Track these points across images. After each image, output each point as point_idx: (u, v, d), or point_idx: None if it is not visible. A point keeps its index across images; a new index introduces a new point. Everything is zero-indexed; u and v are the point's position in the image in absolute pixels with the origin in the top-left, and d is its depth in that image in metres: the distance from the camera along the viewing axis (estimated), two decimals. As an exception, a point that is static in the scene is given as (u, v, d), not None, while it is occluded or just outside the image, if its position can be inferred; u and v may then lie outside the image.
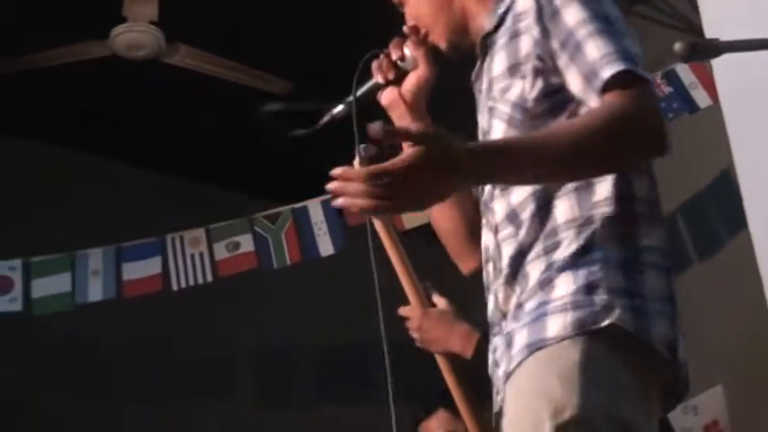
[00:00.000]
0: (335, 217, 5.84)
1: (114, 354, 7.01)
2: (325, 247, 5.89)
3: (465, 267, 2.23)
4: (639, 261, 1.83)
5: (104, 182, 7.17)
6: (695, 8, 6.65)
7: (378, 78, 2.16)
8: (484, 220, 2.01)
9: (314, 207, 5.94)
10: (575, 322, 1.75)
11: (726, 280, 6.56)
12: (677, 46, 1.82)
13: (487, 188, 1.99)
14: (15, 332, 6.08)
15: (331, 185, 1.68)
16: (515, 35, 1.93)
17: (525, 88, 1.87)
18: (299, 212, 5.97)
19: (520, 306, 1.86)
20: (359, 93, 2.17)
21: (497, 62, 1.96)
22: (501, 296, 1.91)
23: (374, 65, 2.16)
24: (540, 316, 1.79)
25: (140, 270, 5.78)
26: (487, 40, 2.03)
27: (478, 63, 2.06)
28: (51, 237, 6.11)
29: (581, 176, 1.81)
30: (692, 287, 7.22)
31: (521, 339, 1.81)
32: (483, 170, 1.71)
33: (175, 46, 5.55)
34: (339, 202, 1.67)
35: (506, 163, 1.71)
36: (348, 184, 1.65)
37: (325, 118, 2.22)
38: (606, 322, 1.75)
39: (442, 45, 2.12)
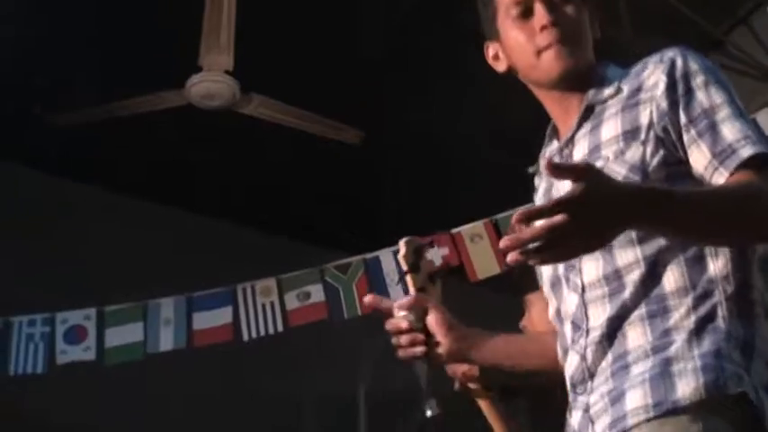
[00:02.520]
0: (406, 267, 5.79)
1: (183, 401, 7.00)
2: (397, 297, 5.83)
3: None
4: (753, 344, 1.82)
5: (177, 231, 7.21)
6: (771, 55, 6.59)
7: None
8: (563, 278, 1.97)
9: (386, 257, 5.91)
10: (708, 384, 1.73)
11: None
12: None
13: None
14: (88, 380, 6.09)
15: (506, 242, 1.60)
16: (636, 104, 1.94)
17: (646, 153, 1.89)
18: (371, 262, 5.94)
19: (625, 367, 1.82)
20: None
21: (608, 128, 1.96)
22: (590, 356, 1.88)
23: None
24: (663, 376, 1.76)
25: (211, 320, 5.79)
26: (593, 110, 2.02)
27: (570, 131, 2.04)
28: (125, 286, 6.13)
29: (733, 240, 1.83)
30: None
31: (637, 398, 1.77)
32: (649, 212, 1.68)
33: (249, 96, 5.57)
34: (512, 257, 1.60)
35: (674, 209, 1.71)
36: (522, 236, 1.59)
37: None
38: (739, 390, 1.73)
39: (571, 60, 2.03)
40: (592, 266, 1.90)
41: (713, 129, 1.85)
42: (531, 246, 1.58)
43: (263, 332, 5.80)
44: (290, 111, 5.72)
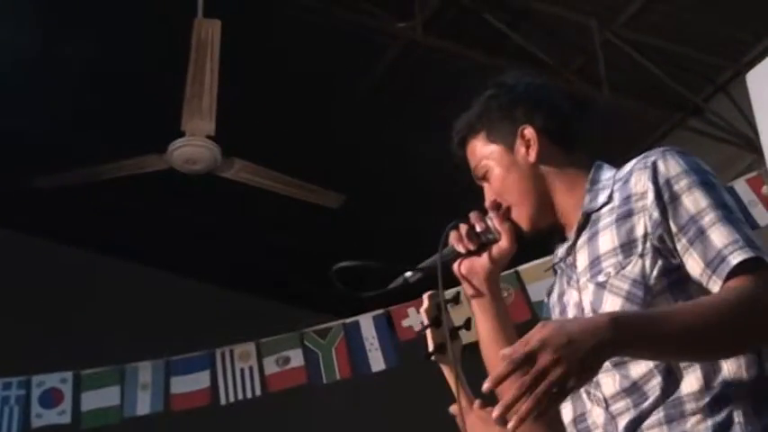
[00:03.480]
0: (387, 332, 5.80)
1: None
2: (377, 362, 5.84)
3: None
4: None
5: (155, 293, 7.18)
6: (749, 122, 6.66)
7: (458, 248, 2.15)
8: (582, 391, 1.98)
9: (365, 322, 5.90)
10: None
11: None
12: (765, 189, 1.80)
13: None
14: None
15: (496, 413, 1.68)
16: (629, 214, 1.96)
17: (645, 266, 1.91)
18: (351, 327, 5.93)
19: None
20: (432, 260, 2.16)
21: (605, 239, 1.99)
22: None
23: (454, 234, 2.15)
24: None
25: (189, 384, 5.74)
26: (589, 216, 2.05)
27: (571, 240, 2.07)
28: (101, 349, 6.09)
29: (717, 353, 1.84)
30: None
31: None
32: (628, 338, 1.73)
33: (231, 160, 5.59)
34: (512, 425, 1.67)
35: (653, 333, 1.75)
36: (507, 401, 1.66)
37: (397, 282, 2.21)
38: None
39: (525, 225, 2.13)
40: (609, 381, 1.93)
41: (702, 236, 1.87)
42: (520, 404, 1.65)
43: (240, 397, 5.76)
44: (271, 175, 5.73)
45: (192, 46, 5.11)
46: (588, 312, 1.96)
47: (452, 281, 2.17)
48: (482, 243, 2.16)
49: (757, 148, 5.90)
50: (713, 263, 1.84)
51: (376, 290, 2.25)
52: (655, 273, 1.91)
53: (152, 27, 5.88)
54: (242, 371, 5.78)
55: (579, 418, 2.00)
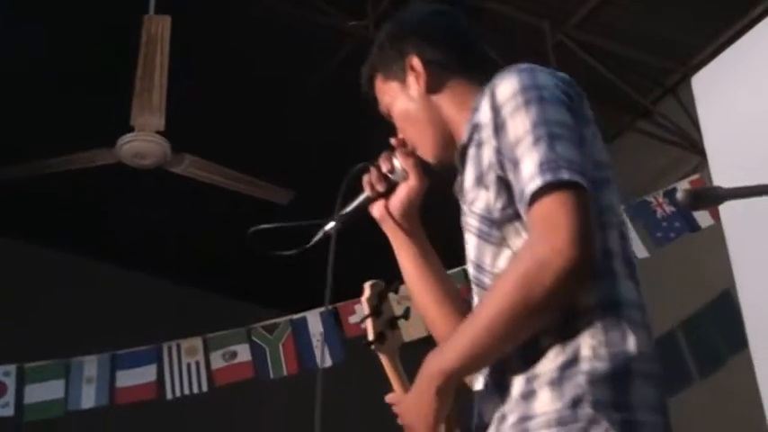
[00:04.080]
0: (334, 329, 5.83)
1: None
2: (323, 358, 5.87)
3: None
4: (627, 370, 1.77)
5: (102, 287, 7.16)
6: (696, 124, 6.76)
7: (367, 192, 2.12)
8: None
9: (313, 318, 5.94)
10: None
11: (726, 397, 6.50)
12: (680, 194, 1.83)
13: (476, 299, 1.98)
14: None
15: None
16: (479, 145, 1.91)
17: (490, 199, 1.86)
18: (298, 323, 5.96)
19: (503, 418, 1.81)
20: (350, 208, 2.15)
21: (468, 175, 1.94)
22: (482, 407, 1.89)
23: (364, 178, 2.12)
24: None
25: (135, 378, 5.75)
26: (464, 152, 1.98)
27: (459, 176, 2.02)
28: (47, 342, 6.07)
29: (534, 326, 1.78)
30: (694, 404, 7.19)
31: None
32: (450, 377, 1.83)
33: (181, 156, 5.59)
34: None
35: (466, 356, 1.81)
36: None
37: (317, 236, 2.19)
38: None
39: (430, 160, 2.08)
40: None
41: (516, 169, 1.80)
42: None
43: (187, 391, 5.77)
44: (220, 171, 5.74)
45: (142, 41, 5.11)
46: (467, 252, 1.95)
47: (377, 225, 2.15)
48: (391, 183, 2.12)
49: (702, 151, 5.99)
50: (522, 199, 1.77)
51: (296, 249, 2.21)
52: (498, 204, 1.85)
53: (104, 22, 5.87)
54: (188, 365, 5.80)
55: None
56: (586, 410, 1.71)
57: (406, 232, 2.13)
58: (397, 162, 2.10)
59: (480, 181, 1.88)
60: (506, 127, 1.82)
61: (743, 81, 5.37)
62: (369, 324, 2.45)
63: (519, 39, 7.12)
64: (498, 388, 1.84)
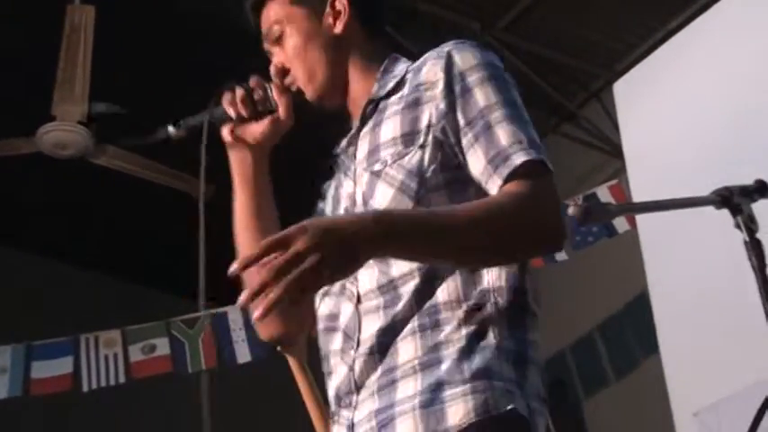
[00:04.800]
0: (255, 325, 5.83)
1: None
2: (243, 354, 5.88)
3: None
4: (526, 355, 1.77)
5: (20, 276, 7.09)
6: (618, 129, 6.87)
7: (229, 111, 1.99)
8: (331, 287, 1.86)
9: (233, 313, 5.93)
10: (478, 408, 1.68)
11: (640, 398, 6.62)
12: (571, 209, 1.88)
13: None
14: None
15: (244, 298, 1.53)
16: (416, 103, 1.86)
17: (424, 158, 1.81)
18: (218, 318, 5.95)
19: (392, 383, 1.74)
20: (199, 118, 2.04)
21: (387, 127, 1.88)
22: (359, 368, 1.78)
23: (227, 96, 2.00)
24: (434, 403, 1.70)
25: (51, 369, 5.69)
26: (377, 105, 1.94)
27: (354, 128, 1.96)
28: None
29: (481, 262, 1.76)
30: (609, 404, 7.33)
31: (408, 428, 1.70)
32: (393, 232, 1.63)
33: (103, 146, 5.56)
34: (258, 315, 1.53)
35: (420, 231, 1.67)
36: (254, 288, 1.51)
37: (160, 134, 2.08)
38: (509, 407, 1.68)
39: (312, 96, 2.01)
40: (366, 275, 1.80)
41: (488, 131, 1.79)
42: (269, 291, 1.51)
43: (104, 383, 5.74)
44: (143, 163, 5.71)
45: (65, 31, 5.07)
46: (360, 204, 1.86)
47: (220, 145, 2.03)
48: (257, 111, 2.00)
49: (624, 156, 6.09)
50: (495, 160, 1.76)
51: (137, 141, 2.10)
52: (433, 166, 1.81)
53: (27, 10, 5.81)
54: (106, 357, 5.76)
55: (331, 316, 1.87)
56: (499, 382, 1.70)
57: (255, 166, 2.02)
58: (271, 92, 2.01)
59: (413, 138, 1.83)
60: (472, 94, 1.81)
61: (661, 89, 5.50)
62: None
63: (449, 39, 7.18)
64: (383, 352, 1.76)
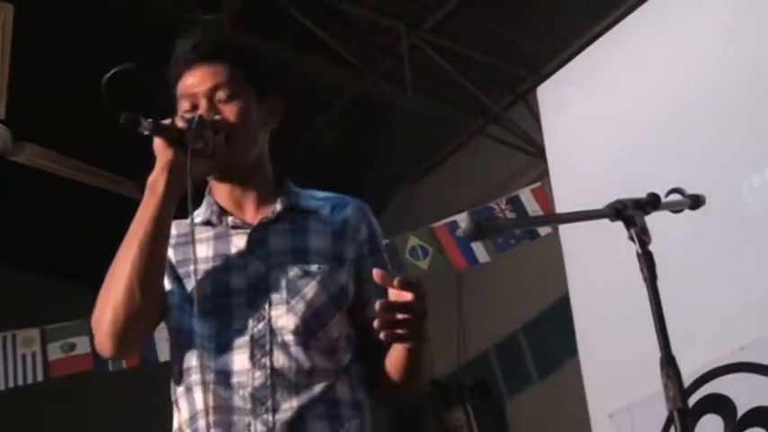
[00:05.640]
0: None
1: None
2: (164, 351, 5.83)
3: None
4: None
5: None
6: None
7: (180, 125, 2.12)
8: (247, 345, 2.19)
9: (155, 312, 5.89)
10: None
11: (561, 398, 6.69)
12: (463, 225, 1.96)
13: None
14: None
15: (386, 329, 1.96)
16: (341, 233, 2.28)
17: (348, 281, 2.27)
18: (141, 316, 5.90)
19: None
20: (162, 122, 2.14)
21: (317, 240, 2.25)
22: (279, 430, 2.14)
23: (185, 115, 2.17)
24: None
25: (-34, 367, 5.63)
26: (290, 210, 2.28)
27: (270, 218, 2.24)
28: None
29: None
30: (532, 404, 7.41)
31: None
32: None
33: (22, 144, 5.48)
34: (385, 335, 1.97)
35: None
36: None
37: (131, 119, 2.12)
38: None
39: (234, 162, 2.22)
40: (282, 356, 2.12)
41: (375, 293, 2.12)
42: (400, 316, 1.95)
43: (21, 382, 5.68)
44: (65, 161, 5.65)
45: (-17, 28, 5.00)
46: (280, 287, 2.15)
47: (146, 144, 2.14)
48: (198, 145, 2.12)
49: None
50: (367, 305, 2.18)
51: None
52: (351, 291, 2.22)
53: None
54: (24, 356, 5.70)
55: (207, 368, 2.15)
56: None
57: (175, 196, 2.13)
58: (215, 138, 2.15)
59: (341, 262, 2.21)
60: (380, 253, 2.30)
61: (584, 93, 5.55)
62: None
63: (375, 40, 7.20)
64: (303, 425, 2.10)
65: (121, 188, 5.91)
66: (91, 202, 6.45)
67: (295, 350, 2.12)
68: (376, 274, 1.97)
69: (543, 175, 6.88)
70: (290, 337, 2.13)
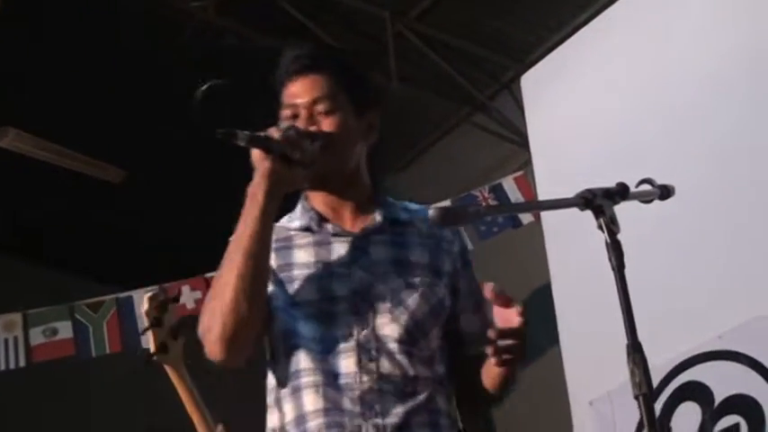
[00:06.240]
0: (158, 309, 5.80)
1: None
2: (147, 338, 5.83)
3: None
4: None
5: None
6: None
7: (276, 136, 2.17)
8: (356, 351, 2.23)
9: (139, 297, 5.89)
10: None
11: (543, 385, 6.71)
12: (431, 212, 1.99)
13: None
14: None
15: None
16: (437, 248, 2.36)
17: (446, 295, 2.34)
18: (124, 302, 5.91)
19: None
20: (261, 135, 2.17)
21: (416, 253, 2.32)
22: None
23: (284, 128, 2.20)
24: None
25: (-52, 351, 5.61)
26: (388, 223, 2.34)
27: (369, 229, 2.29)
28: None
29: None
30: (514, 392, 7.43)
31: None
32: None
33: (5, 129, 5.48)
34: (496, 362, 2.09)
35: None
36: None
37: (235, 134, 2.16)
38: None
39: (330, 171, 2.27)
40: (387, 362, 2.18)
41: (479, 309, 2.32)
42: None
43: (2, 367, 5.67)
44: (48, 147, 5.65)
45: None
46: (384, 297, 2.21)
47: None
48: (297, 156, 2.17)
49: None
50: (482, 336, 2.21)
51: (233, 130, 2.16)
52: (447, 304, 2.29)
53: None
54: (6, 341, 5.70)
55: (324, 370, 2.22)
56: None
57: (275, 204, 2.18)
58: (311, 148, 2.20)
59: (439, 275, 2.29)
60: (470, 266, 2.39)
61: (568, 82, 5.56)
62: (150, 336, 2.51)
63: (360, 28, 7.20)
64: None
65: (105, 173, 5.92)
66: (75, 187, 6.45)
67: (400, 358, 2.19)
68: (487, 289, 2.07)
69: (527, 163, 6.90)
70: (394, 345, 2.19)
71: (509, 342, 2.06)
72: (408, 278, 2.26)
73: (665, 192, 2.40)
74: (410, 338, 2.21)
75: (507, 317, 2.08)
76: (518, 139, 7.54)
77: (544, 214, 5.51)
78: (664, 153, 4.68)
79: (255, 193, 2.15)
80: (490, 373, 2.23)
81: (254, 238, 2.13)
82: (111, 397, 7.08)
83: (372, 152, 2.37)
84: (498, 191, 6.07)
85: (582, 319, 5.03)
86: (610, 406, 4.51)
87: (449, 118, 8.04)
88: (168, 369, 2.41)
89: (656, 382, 4.32)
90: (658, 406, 4.33)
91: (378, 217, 2.31)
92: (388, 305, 2.22)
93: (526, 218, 5.97)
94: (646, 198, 2.39)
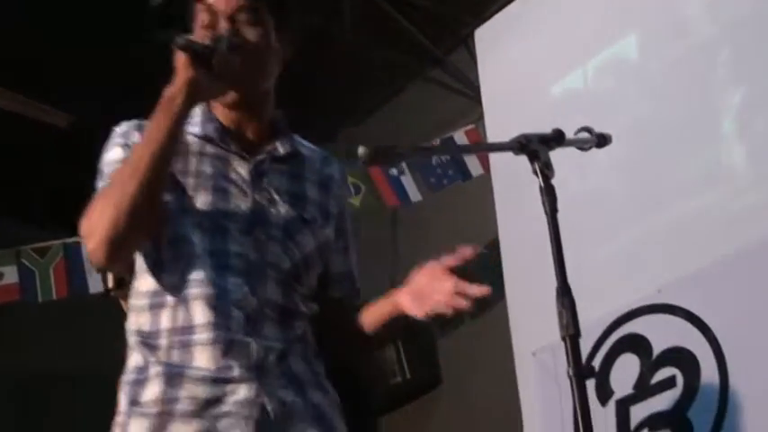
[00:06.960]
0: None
1: None
2: (95, 284, 5.82)
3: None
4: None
5: None
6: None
7: (205, 41, 2.13)
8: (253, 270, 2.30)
9: (86, 243, 5.86)
10: None
11: (489, 338, 6.77)
12: (360, 150, 2.00)
13: None
14: None
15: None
16: (326, 189, 2.43)
17: (331, 236, 2.44)
18: (72, 247, 5.87)
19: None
20: (196, 41, 2.14)
21: (312, 190, 2.37)
22: (268, 358, 2.20)
23: (216, 35, 2.17)
24: None
25: None
26: (290, 155, 2.37)
27: (268, 154, 2.30)
28: None
29: None
30: (462, 343, 7.48)
31: None
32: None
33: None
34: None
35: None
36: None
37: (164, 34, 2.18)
38: None
39: (250, 86, 2.25)
40: (274, 290, 2.19)
41: (347, 252, 2.41)
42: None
43: (-54, 311, 5.64)
44: (-2, 92, 5.57)
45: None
46: (277, 226, 2.21)
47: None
48: (220, 63, 2.13)
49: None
50: (350, 278, 2.44)
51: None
52: (330, 242, 2.35)
53: None
54: (-51, 284, 5.66)
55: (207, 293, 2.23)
56: None
57: (188, 112, 2.16)
58: (234, 60, 2.15)
59: (327, 217, 2.33)
60: (346, 215, 2.43)
61: (521, 37, 5.57)
62: (108, 275, 2.52)
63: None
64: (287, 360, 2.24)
65: (53, 118, 5.86)
66: (20, 131, 6.37)
67: (284, 289, 2.20)
68: (465, 249, 2.28)
69: (481, 117, 6.91)
70: (281, 276, 2.20)
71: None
72: (302, 212, 2.27)
73: (601, 140, 2.42)
74: (296, 272, 2.22)
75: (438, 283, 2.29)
76: (473, 93, 7.53)
77: (494, 167, 5.53)
78: (617, 106, 4.70)
79: (175, 97, 2.10)
80: (373, 323, 2.30)
81: (164, 143, 2.09)
82: (54, 342, 7.03)
83: (282, 77, 2.35)
84: (449, 144, 6.06)
85: (528, 272, 5.06)
86: (552, 357, 4.56)
87: (405, 72, 8.01)
88: (125, 305, 2.39)
89: (597, 334, 4.41)
90: (599, 357, 4.38)
91: (279, 146, 2.30)
92: (281, 234, 2.21)
93: (476, 170, 5.97)
94: (582, 145, 2.41)
